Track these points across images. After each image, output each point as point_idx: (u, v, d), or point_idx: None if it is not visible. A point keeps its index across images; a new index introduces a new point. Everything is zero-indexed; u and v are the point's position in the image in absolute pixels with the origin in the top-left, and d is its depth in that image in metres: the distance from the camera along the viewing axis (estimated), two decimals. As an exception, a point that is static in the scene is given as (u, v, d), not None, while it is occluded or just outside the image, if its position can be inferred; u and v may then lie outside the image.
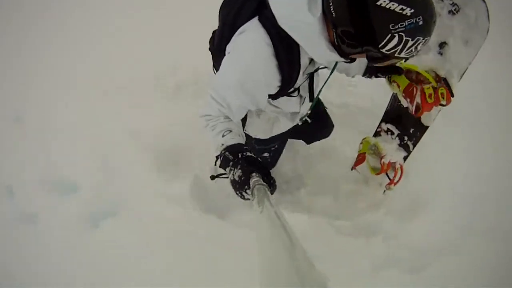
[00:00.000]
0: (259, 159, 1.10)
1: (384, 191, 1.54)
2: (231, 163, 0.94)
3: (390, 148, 1.46)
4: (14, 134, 1.82)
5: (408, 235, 1.36)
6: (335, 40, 0.86)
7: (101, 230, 1.38)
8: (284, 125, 1.33)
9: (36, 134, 1.78)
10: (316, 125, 1.45)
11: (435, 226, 1.37)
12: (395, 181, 1.44)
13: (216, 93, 1.01)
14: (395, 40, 0.77)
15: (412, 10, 0.74)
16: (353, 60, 0.96)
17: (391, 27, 0.76)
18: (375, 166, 1.53)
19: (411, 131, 1.44)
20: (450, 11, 1.17)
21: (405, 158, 1.47)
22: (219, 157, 0.98)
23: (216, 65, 1.23)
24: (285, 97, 1.11)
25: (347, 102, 2.05)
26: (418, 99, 1.27)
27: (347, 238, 1.44)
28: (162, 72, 2.12)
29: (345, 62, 0.96)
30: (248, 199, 0.89)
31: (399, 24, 0.75)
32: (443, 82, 1.26)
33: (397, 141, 1.48)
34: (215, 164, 1.01)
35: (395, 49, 0.79)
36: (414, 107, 1.29)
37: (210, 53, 1.27)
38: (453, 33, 1.19)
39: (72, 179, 1.57)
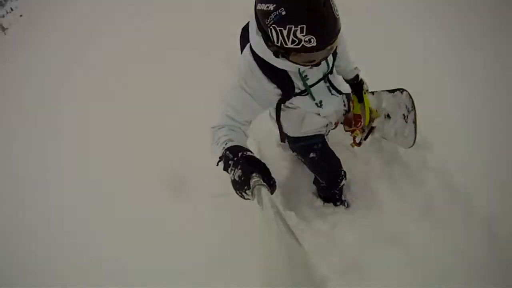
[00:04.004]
0: (310, 161, 1.46)
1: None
2: (231, 162, 0.94)
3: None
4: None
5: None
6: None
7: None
8: (313, 122, 1.41)
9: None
10: None
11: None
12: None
13: (223, 100, 1.18)
14: (274, 32, 0.91)
15: (274, 5, 0.87)
16: (315, 65, 1.06)
17: (266, 22, 0.91)
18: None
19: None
20: (404, 115, 1.41)
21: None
22: (221, 158, 1.02)
23: None
24: (298, 97, 1.25)
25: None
26: (354, 127, 1.56)
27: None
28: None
29: (306, 67, 1.07)
30: (248, 199, 0.90)
31: (269, 19, 0.89)
32: (371, 127, 1.55)
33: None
34: (217, 165, 1.04)
35: (279, 40, 0.92)
36: (346, 126, 1.60)
37: None
38: (395, 120, 1.49)
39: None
